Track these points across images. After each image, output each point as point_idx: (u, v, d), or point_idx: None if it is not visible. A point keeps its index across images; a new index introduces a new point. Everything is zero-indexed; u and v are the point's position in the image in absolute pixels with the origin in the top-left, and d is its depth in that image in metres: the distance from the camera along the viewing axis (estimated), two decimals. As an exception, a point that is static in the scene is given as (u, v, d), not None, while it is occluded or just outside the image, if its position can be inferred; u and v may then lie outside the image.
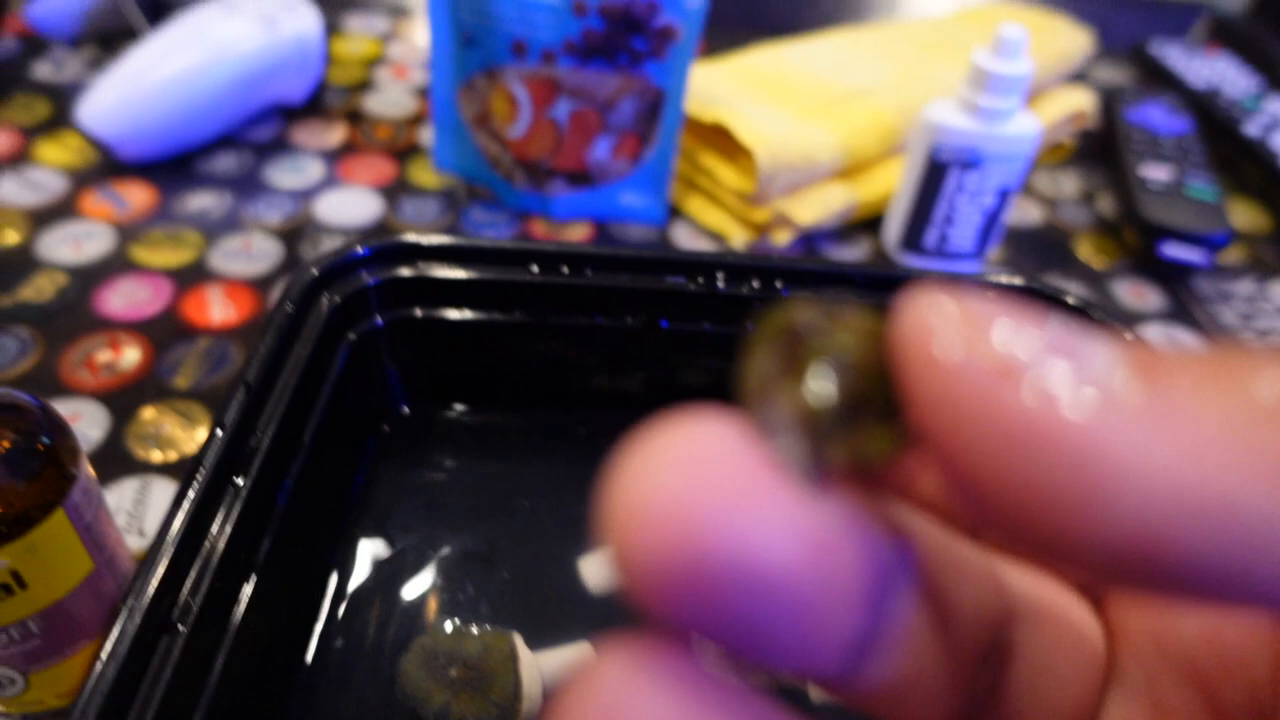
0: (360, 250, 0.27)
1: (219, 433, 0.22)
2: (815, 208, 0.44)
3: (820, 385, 0.09)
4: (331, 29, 0.59)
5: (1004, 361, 0.08)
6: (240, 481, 0.22)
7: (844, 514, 0.09)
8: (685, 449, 0.08)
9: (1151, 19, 0.73)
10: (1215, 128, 0.56)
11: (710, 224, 0.46)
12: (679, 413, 0.08)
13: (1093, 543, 0.08)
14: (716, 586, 0.08)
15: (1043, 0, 0.74)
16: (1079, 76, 0.62)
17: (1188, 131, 0.53)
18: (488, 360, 0.31)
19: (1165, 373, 0.08)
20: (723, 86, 0.48)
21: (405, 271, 0.28)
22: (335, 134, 0.50)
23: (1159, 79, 0.63)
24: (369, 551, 0.28)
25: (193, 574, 0.20)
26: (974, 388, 0.08)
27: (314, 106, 0.51)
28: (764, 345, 0.09)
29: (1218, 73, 0.62)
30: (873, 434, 0.09)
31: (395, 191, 0.46)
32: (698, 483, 0.08)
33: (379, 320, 0.28)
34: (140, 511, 0.30)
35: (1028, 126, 0.41)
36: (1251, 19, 0.97)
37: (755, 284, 0.29)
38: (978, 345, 0.08)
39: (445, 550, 0.28)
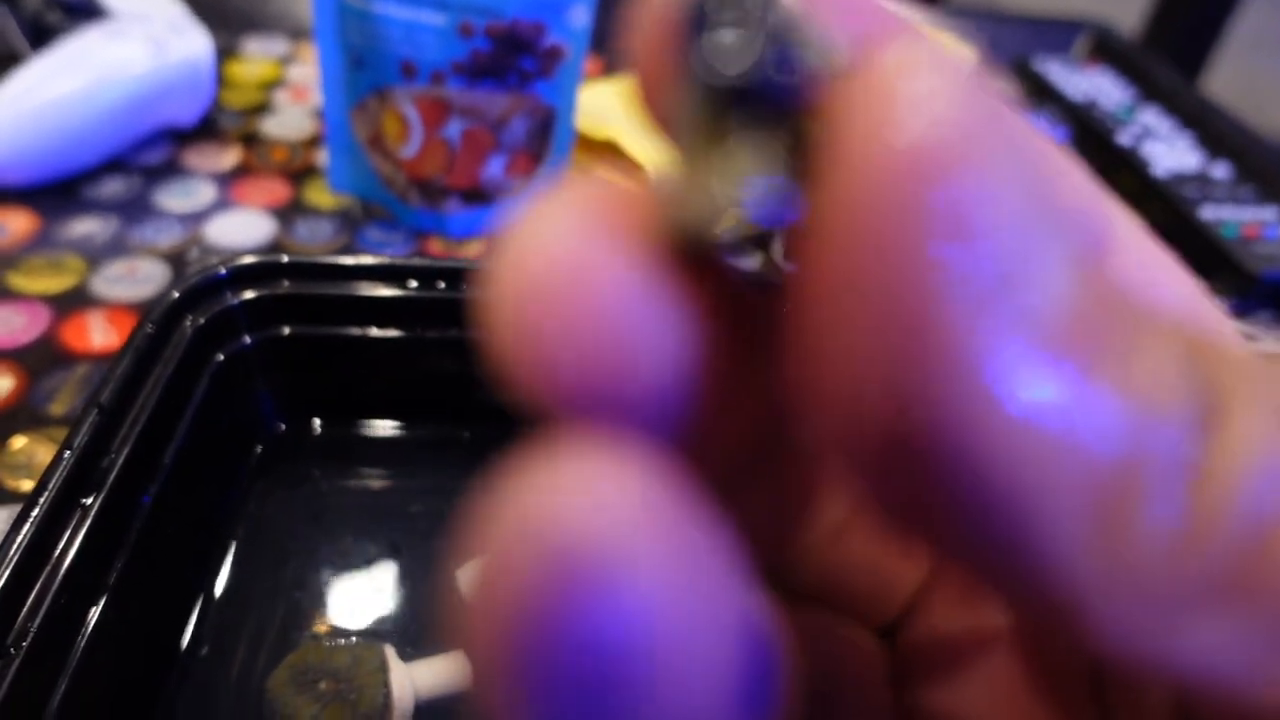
0: (222, 271, 0.27)
1: (66, 454, 0.22)
2: (706, 220, 0.45)
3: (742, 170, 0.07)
4: (228, 52, 0.59)
5: (951, 225, 0.06)
6: (88, 502, 0.22)
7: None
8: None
9: (1038, 35, 0.77)
10: (1091, 138, 0.59)
11: (606, 239, 0.47)
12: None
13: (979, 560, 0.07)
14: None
15: (938, 16, 0.77)
16: (967, 91, 0.65)
17: (1064, 142, 0.55)
18: (366, 375, 0.31)
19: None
20: (615, 104, 0.49)
21: (275, 290, 0.28)
22: (229, 157, 0.49)
23: (1041, 93, 0.65)
24: (242, 570, 0.27)
25: (31, 596, 0.20)
26: (902, 231, 0.06)
27: (207, 129, 0.51)
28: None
29: (1095, 86, 0.65)
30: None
31: (289, 213, 0.46)
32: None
33: (248, 339, 0.28)
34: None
35: (903, 139, 0.43)
36: (1139, 38, 1.02)
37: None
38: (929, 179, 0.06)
39: (324, 564, 0.28)
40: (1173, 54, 1.14)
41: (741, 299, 0.08)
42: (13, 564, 0.19)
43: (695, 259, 0.07)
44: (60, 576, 0.20)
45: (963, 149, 0.06)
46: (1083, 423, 0.06)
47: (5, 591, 0.19)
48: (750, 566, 0.07)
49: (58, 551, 0.21)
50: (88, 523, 0.21)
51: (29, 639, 0.19)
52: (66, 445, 0.22)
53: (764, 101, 0.07)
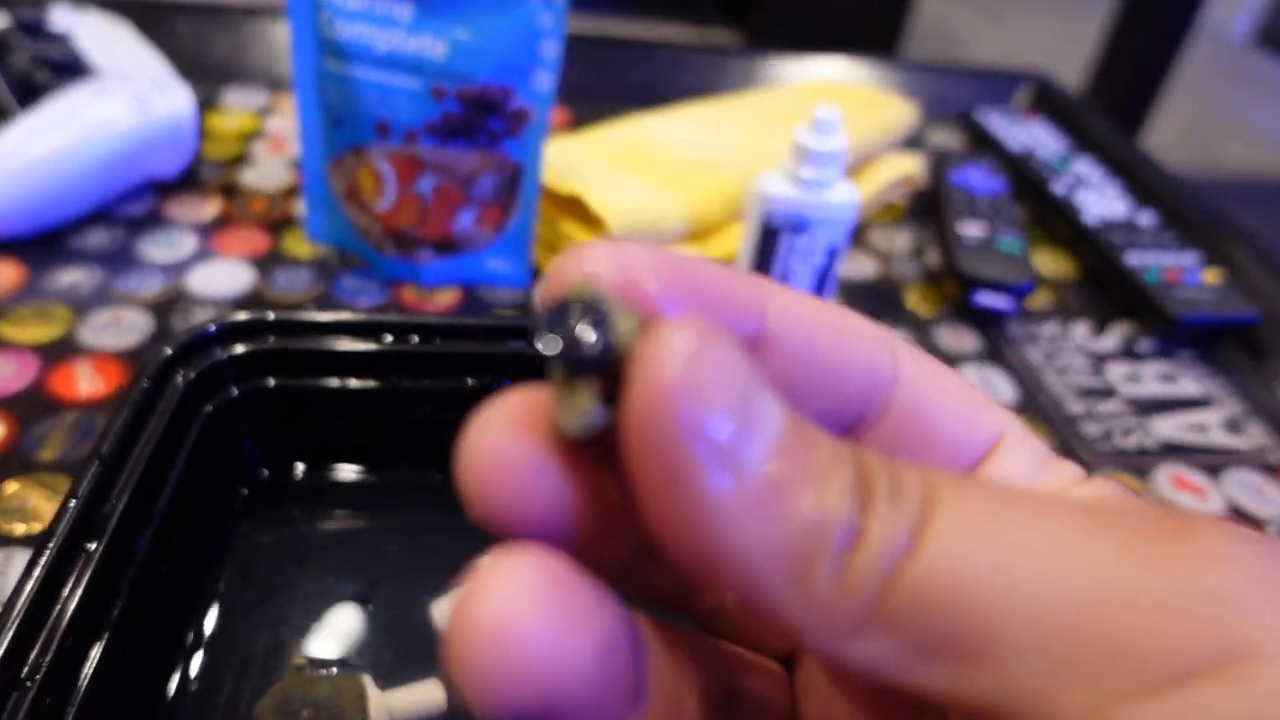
0: (211, 329, 0.29)
1: (71, 502, 0.24)
2: (665, 269, 0.48)
3: (586, 409, 0.11)
4: (208, 103, 0.61)
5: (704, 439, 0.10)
6: (92, 547, 0.24)
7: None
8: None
9: (986, 88, 0.81)
10: (1028, 186, 0.63)
11: (571, 286, 0.49)
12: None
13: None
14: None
15: (890, 69, 0.81)
16: (914, 141, 0.68)
17: (1002, 191, 0.59)
18: (345, 424, 0.33)
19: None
20: (580, 159, 0.52)
21: (260, 345, 0.30)
22: (210, 207, 0.52)
23: (983, 143, 0.70)
24: (229, 607, 0.29)
25: (43, 634, 0.22)
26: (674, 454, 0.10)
27: (189, 181, 0.53)
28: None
29: (1033, 136, 0.69)
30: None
31: (268, 262, 0.48)
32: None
33: (235, 391, 0.30)
34: (4, 583, 0.31)
35: (847, 194, 0.46)
36: (1086, 87, 1.08)
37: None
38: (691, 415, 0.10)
39: (305, 600, 0.30)
40: (1117, 101, 1.20)
41: (610, 461, 0.12)
42: (27, 604, 0.21)
43: (570, 444, 0.12)
44: (68, 616, 0.22)
45: (689, 386, 0.10)
46: (782, 527, 0.10)
47: (21, 629, 0.21)
48: (623, 616, 0.12)
49: (65, 592, 0.23)
50: (92, 566, 0.23)
51: (41, 673, 0.21)
52: (72, 494, 0.24)
53: (586, 364, 0.11)
